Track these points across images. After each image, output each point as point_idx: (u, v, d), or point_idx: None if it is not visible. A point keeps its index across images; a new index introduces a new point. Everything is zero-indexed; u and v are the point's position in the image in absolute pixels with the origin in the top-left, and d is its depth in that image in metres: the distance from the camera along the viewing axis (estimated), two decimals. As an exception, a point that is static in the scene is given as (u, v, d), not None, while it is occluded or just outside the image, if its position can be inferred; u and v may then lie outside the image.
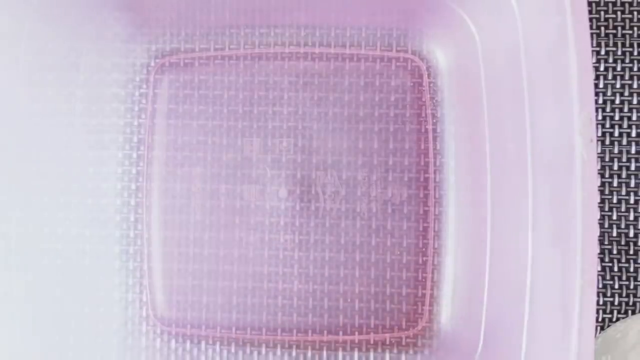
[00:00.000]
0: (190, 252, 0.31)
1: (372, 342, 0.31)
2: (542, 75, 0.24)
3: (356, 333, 0.31)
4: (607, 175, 0.32)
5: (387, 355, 0.30)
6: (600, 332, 0.31)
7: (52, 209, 0.30)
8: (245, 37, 0.32)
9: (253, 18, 0.31)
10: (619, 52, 0.32)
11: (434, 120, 0.31)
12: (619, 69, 0.32)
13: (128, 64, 0.32)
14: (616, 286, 0.32)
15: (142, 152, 0.32)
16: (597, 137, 0.32)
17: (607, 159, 0.32)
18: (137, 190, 0.32)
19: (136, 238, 0.31)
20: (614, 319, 0.31)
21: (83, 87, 0.31)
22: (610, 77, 0.32)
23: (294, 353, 0.31)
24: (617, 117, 0.32)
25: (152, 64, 0.32)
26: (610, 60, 0.32)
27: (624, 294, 0.31)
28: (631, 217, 0.32)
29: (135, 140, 0.32)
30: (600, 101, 0.32)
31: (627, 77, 0.32)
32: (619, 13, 0.32)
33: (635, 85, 0.32)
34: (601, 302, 0.31)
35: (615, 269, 0.32)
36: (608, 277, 0.32)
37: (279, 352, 0.31)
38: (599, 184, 0.32)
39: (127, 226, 0.31)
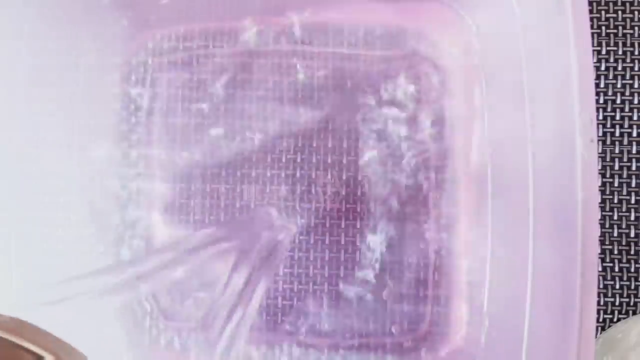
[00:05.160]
0: (189, 252, 0.31)
1: (372, 344, 0.31)
2: (543, 75, 0.24)
3: (356, 336, 0.31)
4: (607, 175, 0.32)
5: (388, 357, 0.30)
6: (601, 333, 0.31)
7: (52, 209, 0.30)
8: (244, 35, 0.31)
9: (252, 17, 0.31)
10: (620, 52, 0.32)
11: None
12: (619, 68, 0.32)
13: (127, 62, 0.32)
14: (617, 286, 0.31)
15: (141, 151, 0.31)
16: (598, 137, 0.32)
17: (607, 158, 0.32)
18: (137, 189, 0.31)
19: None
20: (615, 320, 0.31)
21: (83, 87, 0.31)
22: (611, 76, 0.32)
23: (293, 354, 0.31)
24: (618, 117, 0.32)
25: (151, 62, 0.32)
26: (611, 59, 0.32)
27: (625, 295, 0.31)
28: (632, 218, 0.31)
29: (134, 139, 0.32)
30: (601, 101, 0.32)
31: (628, 76, 0.32)
32: (619, 12, 0.32)
33: (636, 85, 0.32)
34: (602, 303, 0.31)
35: (616, 269, 0.31)
36: (609, 277, 0.31)
37: (278, 352, 0.31)
38: (599, 184, 0.32)
39: (127, 226, 0.31)
